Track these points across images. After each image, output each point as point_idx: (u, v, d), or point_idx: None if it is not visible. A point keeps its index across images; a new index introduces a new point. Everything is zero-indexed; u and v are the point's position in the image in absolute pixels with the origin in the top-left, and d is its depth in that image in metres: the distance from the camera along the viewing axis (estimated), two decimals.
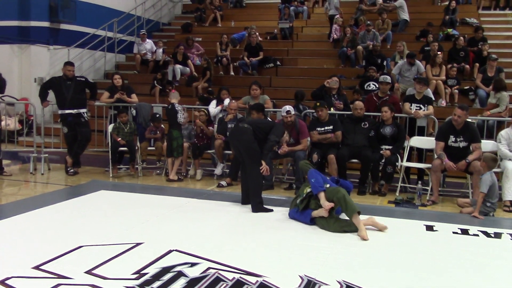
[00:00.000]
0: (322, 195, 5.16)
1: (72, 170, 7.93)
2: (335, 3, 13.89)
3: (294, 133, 7.21)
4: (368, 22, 12.46)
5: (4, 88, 8.00)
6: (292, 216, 5.45)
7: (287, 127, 7.10)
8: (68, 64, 8.10)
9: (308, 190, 5.38)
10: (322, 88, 8.16)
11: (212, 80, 11.82)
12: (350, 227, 4.96)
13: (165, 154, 8.00)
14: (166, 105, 9.07)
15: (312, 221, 5.19)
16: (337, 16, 13.47)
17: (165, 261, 3.94)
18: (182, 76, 12.16)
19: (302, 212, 5.31)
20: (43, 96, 8.02)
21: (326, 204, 5.05)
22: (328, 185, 5.30)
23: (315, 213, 5.16)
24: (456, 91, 10.15)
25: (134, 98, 8.65)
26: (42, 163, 8.10)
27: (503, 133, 6.82)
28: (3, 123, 10.42)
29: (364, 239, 4.74)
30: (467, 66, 10.82)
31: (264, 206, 5.78)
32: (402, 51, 10.61)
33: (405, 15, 13.51)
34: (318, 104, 7.37)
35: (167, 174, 8.00)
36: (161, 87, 11.41)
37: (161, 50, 13.09)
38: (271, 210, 5.75)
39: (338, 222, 5.09)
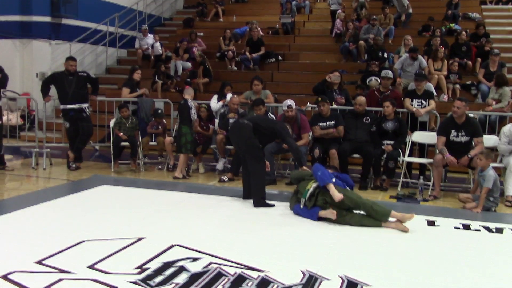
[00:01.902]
0: (331, 186, 5.04)
1: (74, 165, 7.94)
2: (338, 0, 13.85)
3: (295, 128, 7.20)
4: (374, 16, 12.38)
5: (6, 84, 8.00)
6: (297, 211, 5.37)
7: (288, 122, 7.10)
8: (70, 59, 8.10)
9: (314, 185, 5.25)
10: (323, 83, 8.15)
11: (213, 75, 11.80)
12: (369, 222, 4.97)
13: (167, 149, 8.01)
14: (167, 100, 9.09)
15: (319, 219, 5.12)
16: (339, 11, 13.43)
17: (167, 256, 3.94)
18: (184, 71, 12.15)
19: (309, 209, 5.22)
20: (45, 91, 8.03)
21: (337, 195, 4.94)
22: (334, 180, 5.21)
23: (322, 213, 5.07)
24: (458, 86, 10.12)
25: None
26: (44, 158, 8.11)
27: (505, 129, 6.80)
28: (5, 118, 10.47)
29: (404, 230, 4.85)
30: (470, 62, 10.77)
31: (266, 201, 5.79)
32: (409, 44, 10.54)
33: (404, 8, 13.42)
34: (320, 99, 7.35)
35: (169, 169, 8.01)
36: (162, 82, 11.40)
37: (158, 43, 13.08)
38: (273, 205, 5.75)
39: (355, 217, 5.04)
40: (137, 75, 8.83)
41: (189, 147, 7.47)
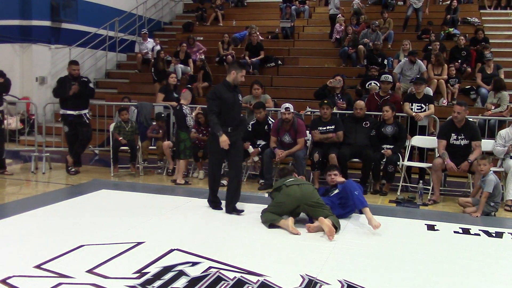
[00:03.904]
0: (368, 210, 5.03)
1: (73, 170, 7.93)
2: (336, 3, 13.85)
3: (292, 132, 7.20)
4: (377, 22, 12.36)
5: (9, 88, 7.97)
6: None
7: (285, 125, 7.12)
8: (73, 63, 8.02)
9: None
10: (324, 87, 8.15)
11: (213, 79, 11.81)
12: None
13: (165, 154, 8.01)
14: (167, 104, 9.08)
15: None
16: (339, 15, 13.44)
17: (166, 260, 3.94)
18: (183, 76, 12.15)
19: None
20: (62, 91, 7.77)
21: (374, 224, 4.91)
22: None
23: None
24: (457, 86, 10.11)
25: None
26: (43, 162, 8.10)
27: (503, 132, 6.83)
28: (4, 122, 10.47)
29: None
30: (468, 69, 10.77)
31: (215, 203, 5.78)
32: (407, 49, 10.56)
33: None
34: (325, 101, 7.31)
35: (168, 173, 8.01)
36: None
37: (158, 47, 13.09)
38: (220, 208, 5.72)
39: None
40: (171, 79, 8.86)
41: (188, 152, 7.45)
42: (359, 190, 5.29)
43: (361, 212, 5.25)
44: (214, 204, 5.80)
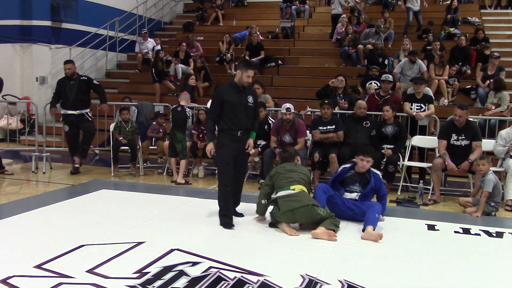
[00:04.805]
0: (370, 228, 4.82)
1: (77, 165, 7.90)
2: (342, 2, 13.82)
3: (292, 132, 7.20)
4: (382, 26, 12.28)
5: (1, 88, 7.91)
6: None
7: (285, 125, 7.11)
8: (65, 62, 7.99)
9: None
10: (326, 87, 8.15)
11: (213, 79, 11.82)
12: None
13: (166, 153, 8.00)
14: (167, 104, 9.09)
15: None
16: (343, 15, 13.41)
17: (166, 260, 3.94)
18: (183, 75, 12.14)
19: None
20: (54, 101, 7.93)
21: (371, 239, 4.71)
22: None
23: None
24: (457, 84, 10.10)
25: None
26: (43, 162, 8.10)
27: (503, 133, 6.83)
28: (4, 122, 10.50)
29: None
30: (468, 71, 10.76)
31: (226, 219, 5.12)
32: (408, 49, 10.54)
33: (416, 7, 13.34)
34: (326, 101, 7.31)
35: (168, 173, 8.01)
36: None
37: (158, 46, 13.08)
38: (232, 226, 5.10)
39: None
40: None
41: (185, 152, 7.46)
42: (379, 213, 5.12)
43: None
44: (227, 219, 5.11)
